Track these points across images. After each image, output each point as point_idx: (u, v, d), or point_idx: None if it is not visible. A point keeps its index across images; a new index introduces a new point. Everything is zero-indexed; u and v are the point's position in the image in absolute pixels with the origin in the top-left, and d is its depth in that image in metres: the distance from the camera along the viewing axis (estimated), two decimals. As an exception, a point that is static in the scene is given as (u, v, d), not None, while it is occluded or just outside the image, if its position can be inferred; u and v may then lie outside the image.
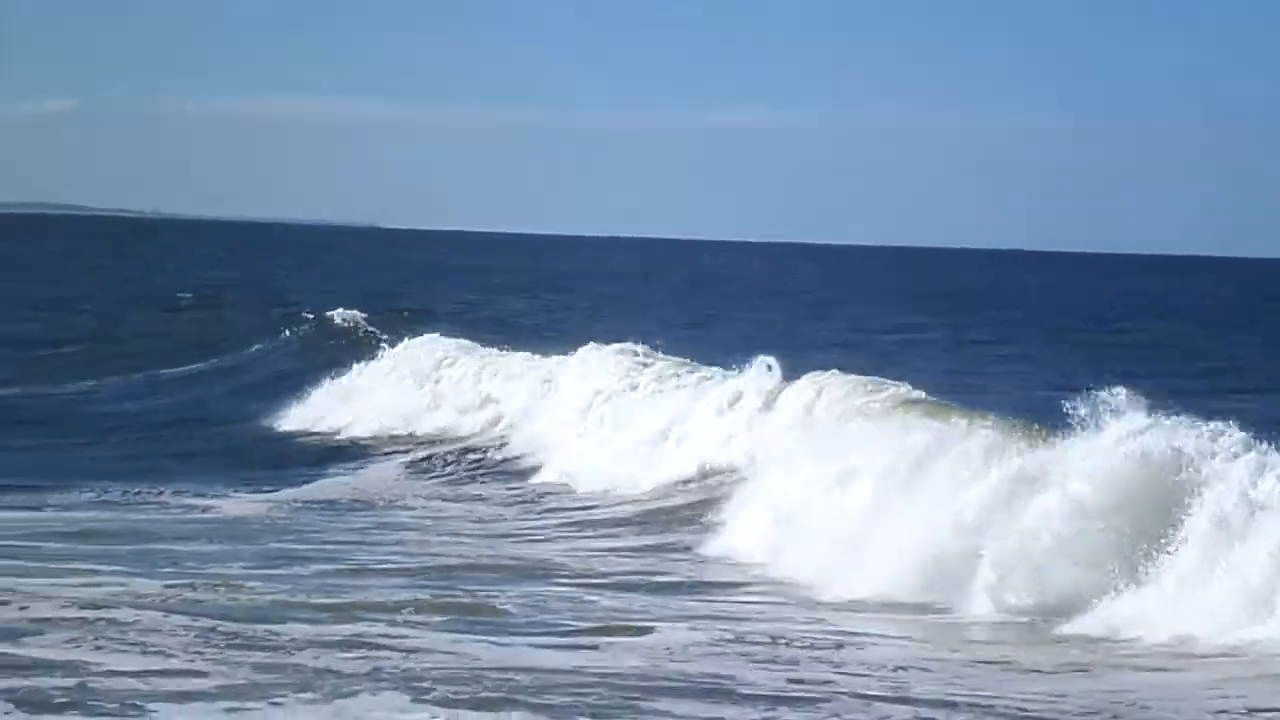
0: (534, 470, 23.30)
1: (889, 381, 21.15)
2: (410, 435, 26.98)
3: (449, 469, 24.50)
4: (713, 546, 17.46)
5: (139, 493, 21.08)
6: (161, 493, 21.15)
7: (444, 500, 21.72)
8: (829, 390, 21.01)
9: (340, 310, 40.68)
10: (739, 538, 17.25)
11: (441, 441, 26.35)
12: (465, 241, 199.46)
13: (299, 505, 20.76)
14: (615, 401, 24.17)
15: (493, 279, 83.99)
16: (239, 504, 20.73)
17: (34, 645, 11.79)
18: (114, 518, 19.02)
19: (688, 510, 19.83)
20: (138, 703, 10.44)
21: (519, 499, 21.68)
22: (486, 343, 30.90)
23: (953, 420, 17.34)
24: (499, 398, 27.08)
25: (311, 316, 41.02)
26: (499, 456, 24.82)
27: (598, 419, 23.81)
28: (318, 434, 27.75)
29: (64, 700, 10.42)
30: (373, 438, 27.02)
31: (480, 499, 21.87)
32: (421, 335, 32.54)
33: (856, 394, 20.59)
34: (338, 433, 27.63)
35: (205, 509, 20.20)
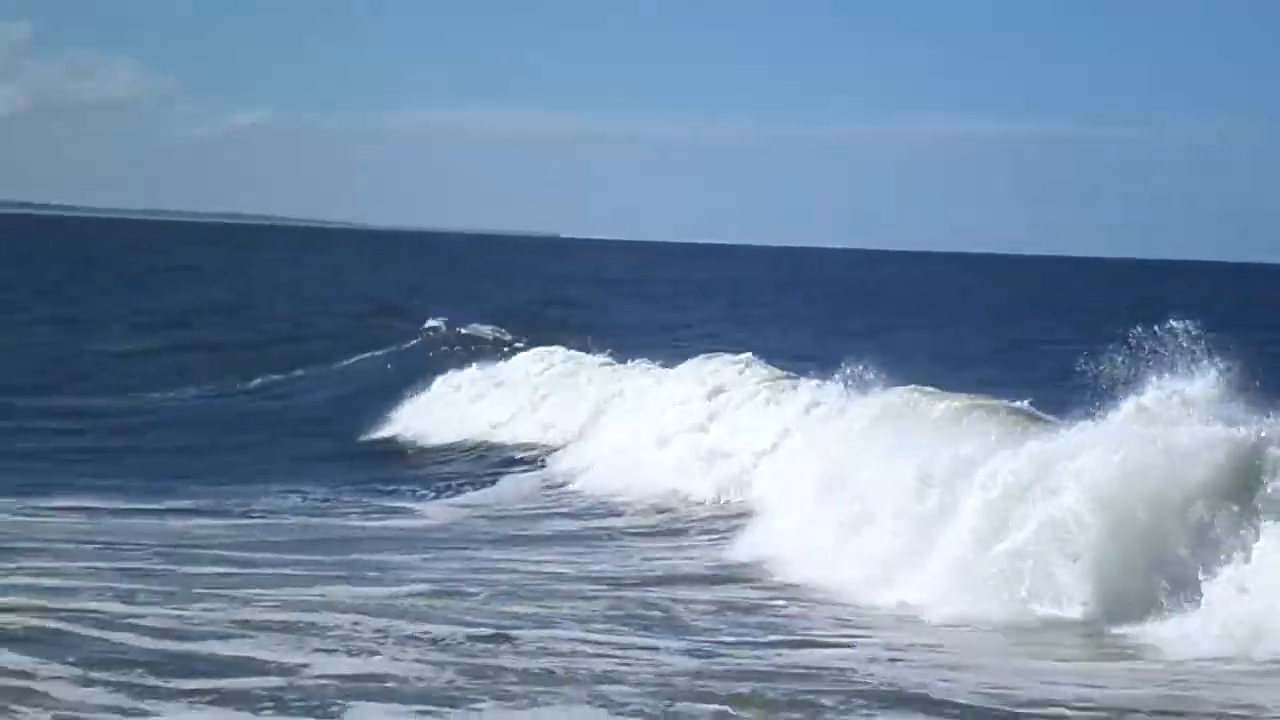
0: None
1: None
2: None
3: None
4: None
5: (333, 500, 21.62)
6: (359, 500, 21.69)
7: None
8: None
9: (490, 326, 40.83)
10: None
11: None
12: (647, 250, 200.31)
13: (494, 514, 21.07)
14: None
15: (663, 288, 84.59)
16: (436, 509, 21.27)
17: (243, 647, 12.14)
18: (319, 524, 19.59)
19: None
20: (339, 701, 10.75)
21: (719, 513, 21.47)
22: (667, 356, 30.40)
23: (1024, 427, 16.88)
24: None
25: (460, 330, 41.15)
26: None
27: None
28: (485, 442, 27.55)
29: (268, 701, 10.75)
30: (537, 445, 26.73)
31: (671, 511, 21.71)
32: (552, 346, 32.73)
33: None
34: (501, 440, 27.43)
35: (399, 513, 20.78)
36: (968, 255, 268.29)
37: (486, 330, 40.24)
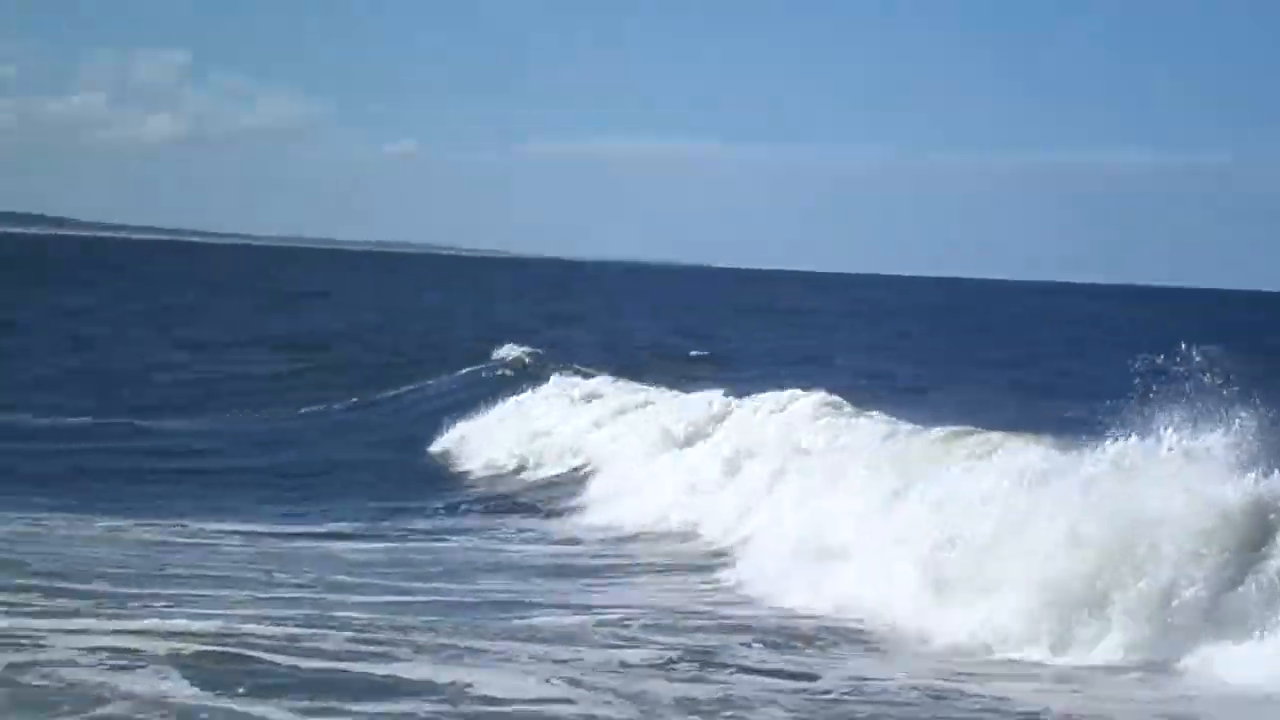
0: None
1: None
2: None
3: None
4: None
5: (487, 524, 21.95)
6: (510, 525, 22.02)
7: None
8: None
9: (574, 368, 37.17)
10: None
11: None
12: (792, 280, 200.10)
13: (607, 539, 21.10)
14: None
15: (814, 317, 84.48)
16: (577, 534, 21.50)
17: (402, 669, 12.36)
18: (478, 546, 19.97)
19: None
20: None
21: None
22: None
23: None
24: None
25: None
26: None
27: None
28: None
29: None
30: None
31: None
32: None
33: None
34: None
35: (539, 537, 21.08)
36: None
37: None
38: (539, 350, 41.19)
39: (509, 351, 40.84)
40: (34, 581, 15.16)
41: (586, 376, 33.68)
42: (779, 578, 16.52)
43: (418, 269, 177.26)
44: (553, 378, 33.41)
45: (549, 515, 23.08)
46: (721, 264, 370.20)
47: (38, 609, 13.88)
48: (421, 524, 21.85)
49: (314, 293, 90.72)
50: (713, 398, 26.30)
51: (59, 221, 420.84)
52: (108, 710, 10.73)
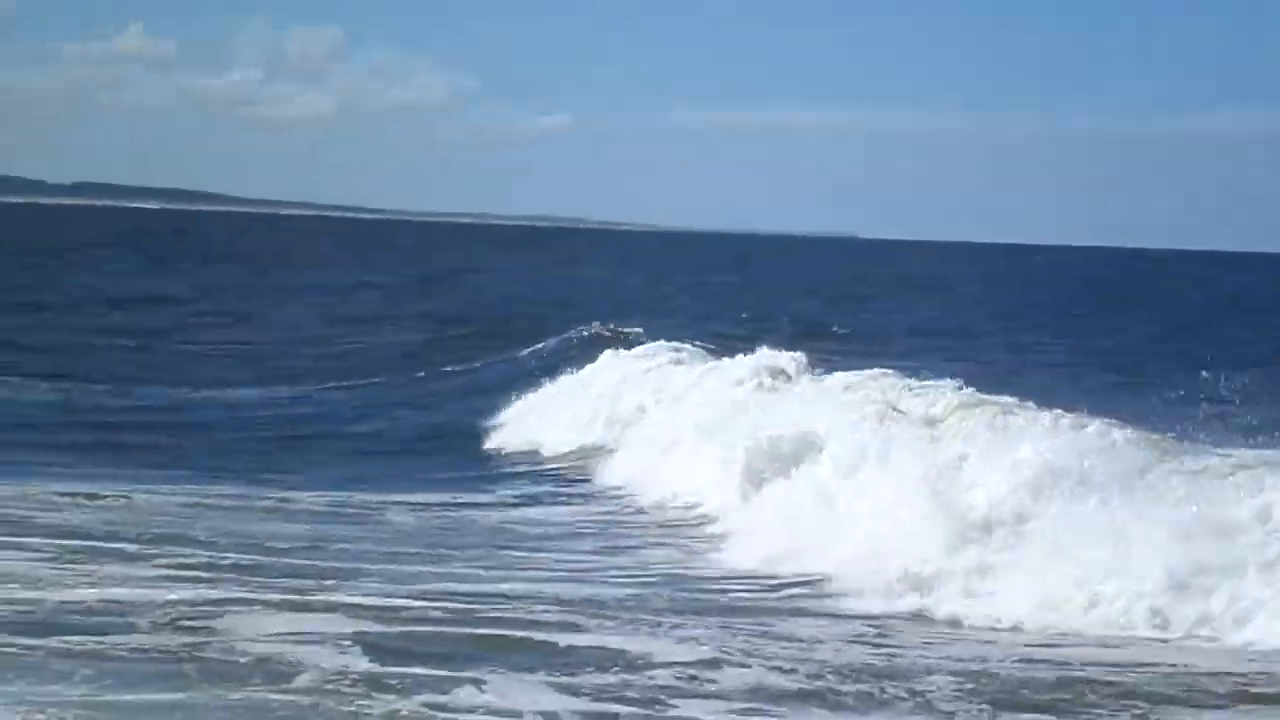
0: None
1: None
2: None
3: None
4: None
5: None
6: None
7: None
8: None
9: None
10: None
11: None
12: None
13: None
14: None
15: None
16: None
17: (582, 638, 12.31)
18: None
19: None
20: (663, 699, 10.84)
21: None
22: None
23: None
24: None
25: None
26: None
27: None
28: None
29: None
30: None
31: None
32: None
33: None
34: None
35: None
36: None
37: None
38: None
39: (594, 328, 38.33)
40: (207, 556, 15.23)
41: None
42: None
43: (573, 243, 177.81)
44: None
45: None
46: (869, 235, 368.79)
47: (209, 580, 13.95)
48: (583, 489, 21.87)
49: (463, 269, 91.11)
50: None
51: (216, 198, 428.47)
52: (297, 682, 10.72)
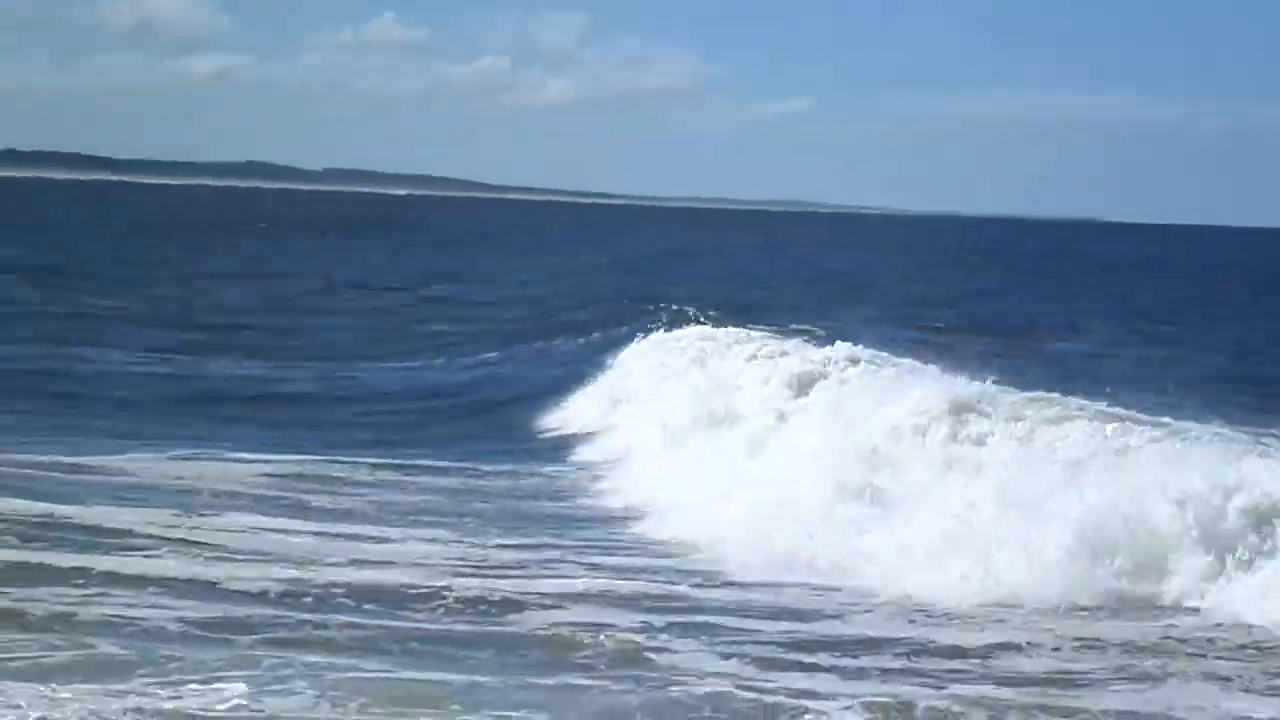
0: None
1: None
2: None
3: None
4: None
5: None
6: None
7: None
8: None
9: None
10: None
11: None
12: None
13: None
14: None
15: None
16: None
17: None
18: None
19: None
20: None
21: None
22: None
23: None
24: None
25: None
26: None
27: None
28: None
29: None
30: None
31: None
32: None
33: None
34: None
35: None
36: None
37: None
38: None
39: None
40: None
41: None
42: None
43: (814, 227, 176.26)
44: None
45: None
46: (1113, 218, 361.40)
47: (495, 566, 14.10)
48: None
49: (671, 250, 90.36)
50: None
51: (467, 184, 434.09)
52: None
